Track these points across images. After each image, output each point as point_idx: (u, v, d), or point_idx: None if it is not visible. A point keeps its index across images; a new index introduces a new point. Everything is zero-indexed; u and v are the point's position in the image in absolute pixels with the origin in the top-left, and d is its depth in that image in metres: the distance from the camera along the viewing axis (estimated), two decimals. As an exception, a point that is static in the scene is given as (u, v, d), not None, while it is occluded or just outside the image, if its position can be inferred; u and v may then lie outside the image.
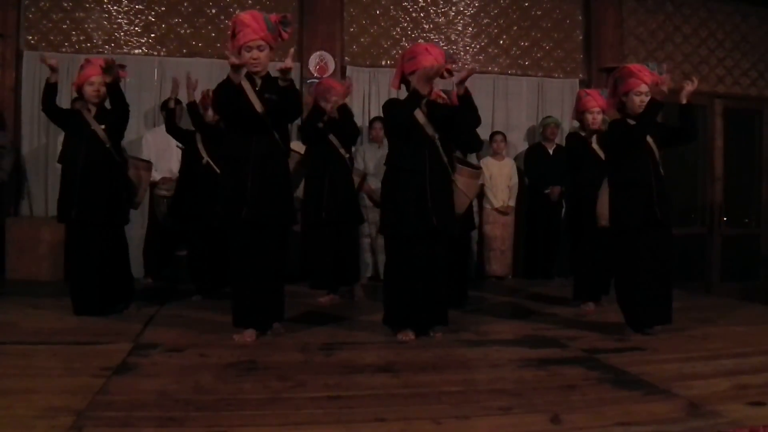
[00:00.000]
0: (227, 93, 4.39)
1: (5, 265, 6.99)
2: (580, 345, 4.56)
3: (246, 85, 4.47)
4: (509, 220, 8.21)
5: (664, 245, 4.85)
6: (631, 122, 4.83)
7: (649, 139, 4.82)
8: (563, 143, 7.46)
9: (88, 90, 5.25)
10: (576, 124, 6.61)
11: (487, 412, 3.10)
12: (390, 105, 4.74)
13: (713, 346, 4.57)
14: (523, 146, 8.67)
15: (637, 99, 4.80)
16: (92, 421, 2.82)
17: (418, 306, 4.62)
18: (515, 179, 8.18)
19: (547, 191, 7.14)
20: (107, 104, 5.30)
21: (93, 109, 5.30)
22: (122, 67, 5.35)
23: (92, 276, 5.14)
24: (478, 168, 5.15)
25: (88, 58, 5.43)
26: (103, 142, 5.21)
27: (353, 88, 6.20)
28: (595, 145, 6.04)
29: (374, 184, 7.62)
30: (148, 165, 5.98)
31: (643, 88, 4.76)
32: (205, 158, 6.03)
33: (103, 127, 5.22)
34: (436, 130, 4.63)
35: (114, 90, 5.19)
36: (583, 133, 6.16)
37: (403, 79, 4.78)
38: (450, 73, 4.69)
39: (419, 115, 4.62)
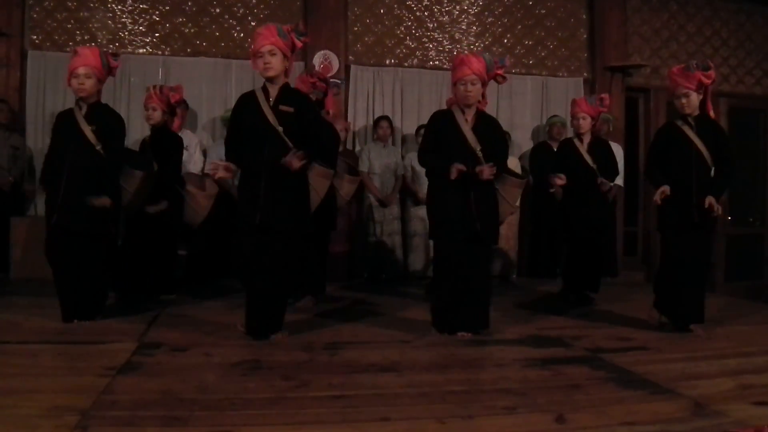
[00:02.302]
0: (240, 110, 4.57)
1: (10, 264, 7.00)
2: (585, 344, 4.56)
3: (260, 96, 4.55)
4: (513, 219, 8.19)
5: (701, 247, 4.97)
6: (679, 124, 5.04)
7: (699, 143, 4.93)
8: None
9: (74, 83, 4.85)
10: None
11: (492, 412, 3.10)
12: (424, 136, 5.01)
13: (718, 346, 4.58)
14: (527, 145, 8.65)
15: (677, 102, 5.04)
16: (97, 421, 2.82)
17: (460, 307, 4.72)
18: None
19: (552, 190, 7.10)
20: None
21: (84, 107, 4.91)
22: (115, 56, 5.10)
23: (64, 284, 4.83)
24: (523, 177, 5.20)
25: (76, 48, 5.03)
26: (92, 144, 4.82)
27: (336, 90, 6.04)
28: (584, 151, 6.23)
29: (379, 183, 7.63)
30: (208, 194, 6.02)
31: (680, 90, 4.98)
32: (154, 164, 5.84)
33: (92, 128, 4.84)
34: (479, 142, 4.72)
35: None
36: (575, 139, 6.33)
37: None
38: (503, 77, 4.88)
39: (464, 126, 4.76)
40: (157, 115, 5.88)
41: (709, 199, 4.80)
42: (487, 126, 4.85)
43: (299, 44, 4.56)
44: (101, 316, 4.99)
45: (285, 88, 4.59)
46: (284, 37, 4.46)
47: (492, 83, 4.93)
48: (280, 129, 4.45)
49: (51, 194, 4.87)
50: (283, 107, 4.49)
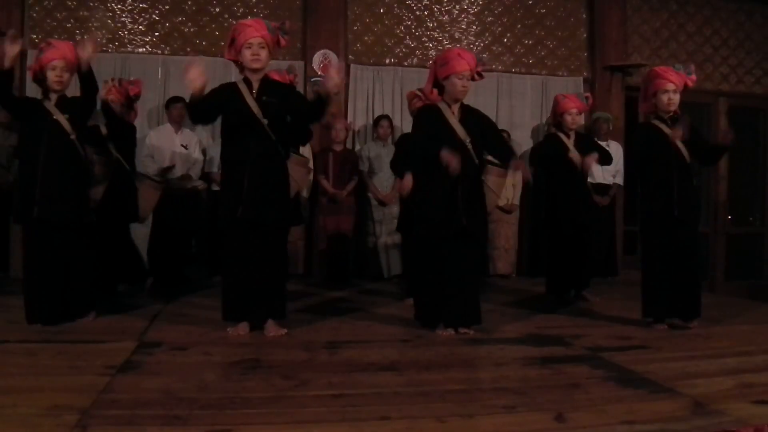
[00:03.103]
0: (223, 95, 4.55)
1: (10, 263, 6.99)
2: (584, 343, 4.56)
3: (243, 88, 4.58)
4: (513, 218, 8.21)
5: (685, 243, 5.02)
6: (657, 123, 5.08)
7: (678, 142, 4.97)
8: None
9: (51, 76, 4.71)
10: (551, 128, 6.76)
11: (492, 411, 3.10)
12: (415, 130, 5.05)
13: (718, 345, 4.58)
14: (527, 144, 8.62)
15: (664, 97, 5.02)
16: (97, 420, 2.82)
17: (448, 304, 4.72)
18: (519, 177, 8.18)
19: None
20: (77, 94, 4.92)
21: (53, 98, 4.77)
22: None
23: (50, 282, 4.68)
24: (507, 167, 5.21)
25: (50, 40, 4.94)
26: (68, 133, 4.70)
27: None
28: (571, 147, 6.23)
29: (379, 182, 7.64)
30: (158, 185, 6.15)
31: (670, 86, 4.99)
32: (115, 154, 5.89)
33: (66, 117, 4.71)
34: (468, 134, 4.74)
35: (89, 78, 4.77)
36: (561, 134, 6.29)
37: (436, 83, 4.89)
38: (480, 75, 4.88)
39: (452, 120, 4.77)
40: (114, 108, 5.86)
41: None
42: (474, 117, 4.87)
43: (283, 42, 4.63)
44: (95, 314, 4.97)
45: (266, 80, 4.65)
46: (272, 32, 4.54)
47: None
48: (265, 122, 4.49)
49: (24, 188, 4.68)
50: (266, 98, 4.54)
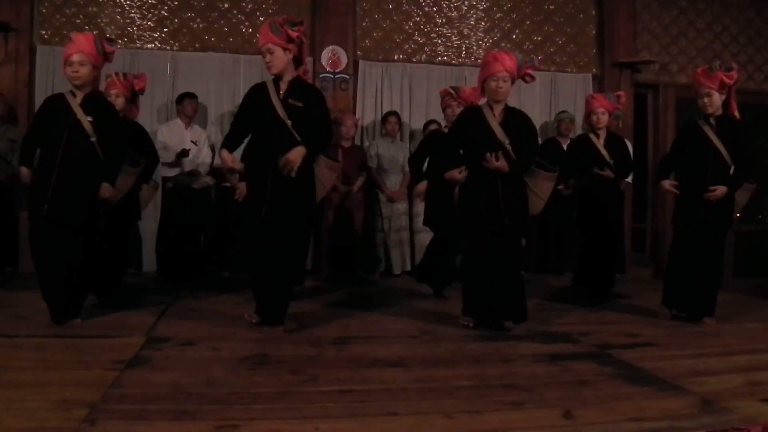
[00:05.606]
0: (249, 104, 4.65)
1: (19, 258, 7.01)
2: (593, 340, 4.56)
3: (271, 88, 4.62)
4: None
5: (708, 243, 5.15)
6: (700, 123, 5.19)
7: (718, 142, 5.08)
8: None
9: (68, 71, 4.61)
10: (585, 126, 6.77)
11: (499, 407, 3.10)
12: (451, 130, 5.17)
13: (726, 343, 4.58)
14: (535, 142, 8.62)
15: (700, 101, 5.17)
16: (105, 414, 2.83)
17: (492, 299, 4.78)
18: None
19: (559, 187, 7.11)
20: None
21: (79, 96, 4.65)
22: (111, 41, 4.93)
23: (57, 281, 4.57)
24: (554, 171, 5.19)
25: (71, 34, 4.78)
26: (88, 135, 4.57)
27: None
28: (601, 147, 6.21)
29: (387, 179, 7.64)
30: (155, 184, 6.13)
31: (703, 90, 5.11)
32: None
33: (90, 119, 4.59)
34: (507, 136, 4.76)
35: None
36: (591, 134, 6.31)
37: (482, 86, 4.96)
38: (532, 77, 4.94)
39: (492, 122, 4.81)
40: (119, 102, 5.57)
41: (720, 188, 4.98)
42: (516, 120, 4.89)
43: (294, 35, 4.57)
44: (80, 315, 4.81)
45: (296, 82, 4.66)
46: (278, 32, 4.51)
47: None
48: (289, 123, 4.50)
49: (37, 184, 4.59)
50: (292, 101, 4.55)
